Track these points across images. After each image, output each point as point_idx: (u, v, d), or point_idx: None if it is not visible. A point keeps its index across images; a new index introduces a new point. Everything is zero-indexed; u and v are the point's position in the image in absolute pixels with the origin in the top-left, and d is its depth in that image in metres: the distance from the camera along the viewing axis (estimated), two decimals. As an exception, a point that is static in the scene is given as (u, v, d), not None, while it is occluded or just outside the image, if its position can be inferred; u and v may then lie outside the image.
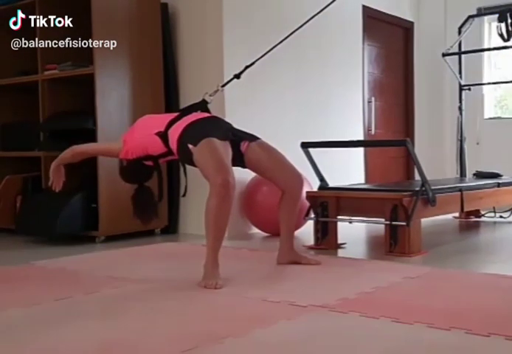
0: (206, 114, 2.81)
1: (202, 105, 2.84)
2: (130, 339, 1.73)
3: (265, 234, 4.07)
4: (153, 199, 2.86)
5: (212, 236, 2.44)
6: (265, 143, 2.80)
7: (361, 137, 5.27)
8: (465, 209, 3.78)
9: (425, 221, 3.32)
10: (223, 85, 2.98)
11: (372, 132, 5.46)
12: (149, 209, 2.84)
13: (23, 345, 1.71)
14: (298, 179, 2.79)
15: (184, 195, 2.93)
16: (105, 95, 3.81)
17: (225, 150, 2.61)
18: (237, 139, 2.73)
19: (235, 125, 2.83)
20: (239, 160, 2.72)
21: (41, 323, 1.93)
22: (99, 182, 3.76)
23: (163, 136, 2.66)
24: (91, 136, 3.78)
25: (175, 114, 2.76)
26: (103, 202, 3.75)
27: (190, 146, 2.57)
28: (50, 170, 2.90)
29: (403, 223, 3.10)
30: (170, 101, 4.23)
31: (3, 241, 3.99)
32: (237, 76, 3.01)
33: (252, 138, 2.79)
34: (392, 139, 5.57)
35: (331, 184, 3.58)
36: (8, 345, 1.71)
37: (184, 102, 4.25)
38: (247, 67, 3.01)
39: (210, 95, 2.86)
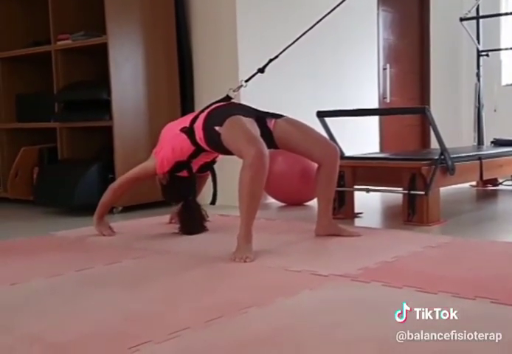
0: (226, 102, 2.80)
1: (226, 101, 2.81)
2: (153, 310, 1.74)
3: (281, 204, 4.07)
4: (199, 213, 2.89)
5: (245, 209, 2.37)
6: (291, 118, 2.76)
7: (376, 105, 5.21)
8: (485, 178, 3.74)
9: (442, 190, 3.29)
10: (246, 80, 2.95)
11: (388, 100, 5.39)
12: (196, 223, 2.88)
13: (46, 316, 1.71)
14: (333, 150, 2.72)
15: (213, 203, 2.90)
16: (119, 65, 3.78)
17: (252, 125, 2.59)
18: (261, 117, 2.70)
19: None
20: (268, 140, 2.63)
21: (64, 294, 1.95)
22: (116, 152, 3.77)
23: (189, 131, 2.66)
24: (106, 106, 3.77)
25: (198, 112, 2.76)
26: (120, 172, 3.73)
27: (217, 127, 2.56)
28: (94, 225, 2.92)
29: (422, 193, 3.08)
30: (184, 69, 4.19)
31: (21, 212, 4.02)
32: (261, 70, 2.97)
33: (278, 115, 2.76)
34: (407, 106, 5.50)
35: (346, 153, 3.55)
36: (32, 315, 1.72)
37: (198, 69, 4.22)
38: (271, 60, 2.97)
39: (234, 91, 2.84)
